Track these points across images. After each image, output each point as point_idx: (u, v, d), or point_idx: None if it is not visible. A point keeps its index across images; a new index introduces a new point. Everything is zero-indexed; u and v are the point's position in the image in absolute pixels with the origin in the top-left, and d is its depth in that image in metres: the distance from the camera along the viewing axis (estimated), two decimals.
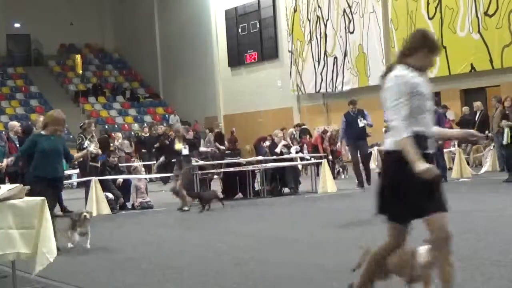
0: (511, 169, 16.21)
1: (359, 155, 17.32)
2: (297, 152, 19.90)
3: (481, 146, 21.24)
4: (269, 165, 17.22)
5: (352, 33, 29.66)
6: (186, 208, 14.49)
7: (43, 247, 6.68)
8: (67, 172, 15.67)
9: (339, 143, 18.69)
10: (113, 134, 27.30)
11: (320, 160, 17.85)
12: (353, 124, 17.31)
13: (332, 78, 30.71)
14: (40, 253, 6.67)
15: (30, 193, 7.52)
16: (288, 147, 18.50)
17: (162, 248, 9.19)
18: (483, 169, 19.81)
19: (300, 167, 19.04)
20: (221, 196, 15.61)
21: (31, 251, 6.71)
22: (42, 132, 10.01)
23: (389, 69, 5.21)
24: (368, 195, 15.75)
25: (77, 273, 7.90)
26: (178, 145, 15.20)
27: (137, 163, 18.86)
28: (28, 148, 9.90)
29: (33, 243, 6.69)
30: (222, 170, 17.36)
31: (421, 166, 4.97)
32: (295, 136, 23.39)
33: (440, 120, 17.63)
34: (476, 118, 22.08)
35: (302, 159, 19.17)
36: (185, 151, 15.13)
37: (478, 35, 24.69)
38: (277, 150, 17.71)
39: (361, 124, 17.28)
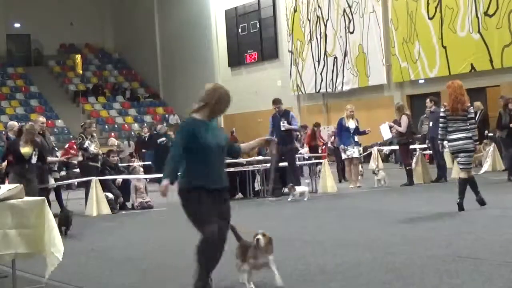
0: None
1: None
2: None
3: (481, 146, 21.22)
4: (269, 165, 17.18)
5: (352, 33, 29.67)
6: None
7: (51, 247, 6.68)
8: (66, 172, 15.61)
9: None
10: (112, 134, 27.31)
11: (320, 160, 17.79)
12: (277, 127, 16.01)
13: (332, 78, 30.72)
14: (49, 253, 6.67)
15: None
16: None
17: (162, 248, 9.19)
18: (483, 169, 19.80)
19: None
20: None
21: (31, 251, 6.71)
22: (197, 116, 6.31)
23: None
24: (368, 195, 15.79)
25: (77, 273, 7.90)
26: (26, 149, 12.14)
27: (135, 163, 18.82)
28: (186, 143, 6.14)
29: (34, 244, 6.69)
30: None
31: None
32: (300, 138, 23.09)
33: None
34: (476, 118, 22.07)
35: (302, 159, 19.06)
36: (34, 159, 12.10)
37: (478, 35, 24.69)
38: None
39: (282, 127, 15.90)
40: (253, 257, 6.42)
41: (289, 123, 15.86)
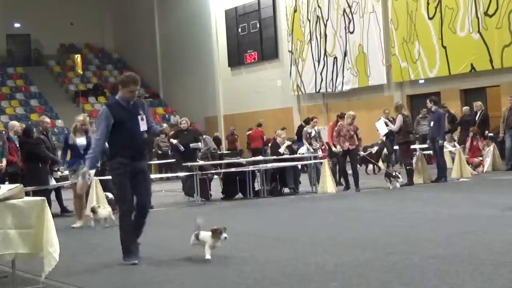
0: None
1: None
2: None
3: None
4: (269, 165, 17.21)
5: (352, 33, 29.67)
6: None
7: (49, 247, 6.68)
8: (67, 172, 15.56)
9: None
10: None
11: (320, 160, 17.77)
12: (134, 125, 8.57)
13: (332, 78, 30.72)
14: (47, 253, 6.66)
15: None
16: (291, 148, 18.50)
17: (162, 248, 9.19)
18: (484, 169, 19.82)
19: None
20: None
21: (30, 251, 6.71)
22: None
23: None
24: (367, 196, 15.78)
25: (77, 273, 7.90)
26: None
27: None
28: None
29: (33, 244, 6.69)
30: (222, 170, 17.35)
31: None
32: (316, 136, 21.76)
33: (441, 120, 17.67)
34: (477, 118, 22.08)
35: (302, 159, 18.94)
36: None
37: (478, 35, 24.69)
38: (281, 150, 17.75)
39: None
40: None
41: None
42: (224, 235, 8.09)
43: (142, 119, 8.39)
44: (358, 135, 16.87)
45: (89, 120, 13.35)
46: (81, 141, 12.78)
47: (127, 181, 8.26)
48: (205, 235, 8.16)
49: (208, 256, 8.05)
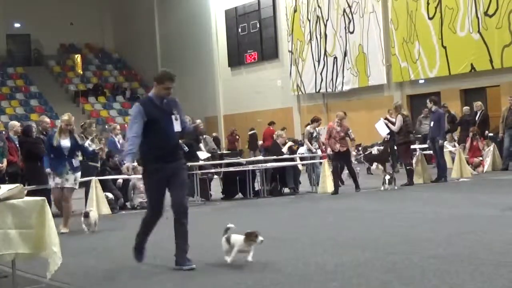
0: None
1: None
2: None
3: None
4: (269, 165, 17.21)
5: (352, 33, 29.67)
6: None
7: (53, 247, 6.68)
8: None
9: None
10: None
11: (320, 160, 17.77)
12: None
13: (332, 78, 30.72)
14: (52, 253, 6.66)
15: None
16: (291, 149, 18.49)
17: (162, 248, 9.18)
18: (484, 169, 19.82)
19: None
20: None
21: (30, 251, 6.71)
22: None
23: None
24: (367, 196, 15.76)
25: (77, 273, 7.90)
26: None
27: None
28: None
29: (33, 244, 6.69)
30: (222, 170, 17.36)
31: None
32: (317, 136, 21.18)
33: (441, 120, 17.67)
34: (477, 118, 22.07)
35: (302, 159, 18.93)
36: None
37: (478, 35, 24.70)
38: (284, 150, 17.76)
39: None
40: None
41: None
42: (260, 238, 7.58)
43: (176, 119, 7.93)
44: (350, 135, 16.71)
45: (69, 120, 12.24)
46: (65, 143, 11.94)
47: (159, 187, 8.10)
48: (237, 238, 7.76)
49: (228, 260, 7.73)
